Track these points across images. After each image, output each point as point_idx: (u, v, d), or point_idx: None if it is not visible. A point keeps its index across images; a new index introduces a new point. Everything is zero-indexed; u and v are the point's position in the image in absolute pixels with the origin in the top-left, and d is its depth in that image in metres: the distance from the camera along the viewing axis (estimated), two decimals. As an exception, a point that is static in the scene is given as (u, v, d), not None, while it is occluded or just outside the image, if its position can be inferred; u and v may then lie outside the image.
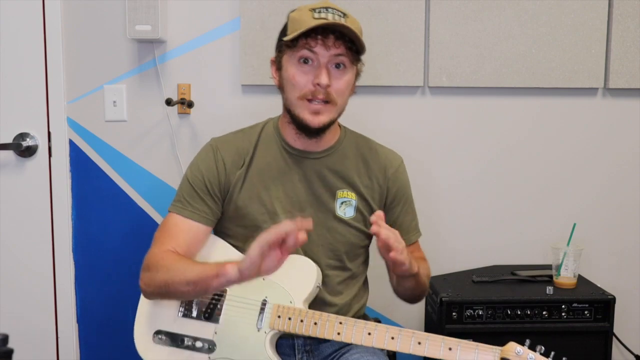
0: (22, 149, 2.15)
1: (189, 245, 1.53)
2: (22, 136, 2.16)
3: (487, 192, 2.25)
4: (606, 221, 2.27)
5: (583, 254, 1.99)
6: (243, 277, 1.31)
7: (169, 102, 2.11)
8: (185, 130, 2.19)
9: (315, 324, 1.42)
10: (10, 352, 0.84)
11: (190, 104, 2.17)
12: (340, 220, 1.57)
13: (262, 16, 2.09)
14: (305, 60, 1.46)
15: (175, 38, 2.15)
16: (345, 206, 1.57)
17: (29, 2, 2.12)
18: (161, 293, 1.49)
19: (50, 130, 2.17)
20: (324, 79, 1.44)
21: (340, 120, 1.60)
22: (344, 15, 1.47)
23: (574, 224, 2.00)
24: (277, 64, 1.53)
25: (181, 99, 2.16)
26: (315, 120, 1.47)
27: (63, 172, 2.19)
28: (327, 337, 1.41)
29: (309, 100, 1.46)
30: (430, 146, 2.21)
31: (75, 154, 2.20)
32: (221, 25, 2.16)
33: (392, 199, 1.62)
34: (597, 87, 2.21)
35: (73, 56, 2.16)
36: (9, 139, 2.16)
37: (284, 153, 1.57)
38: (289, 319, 1.44)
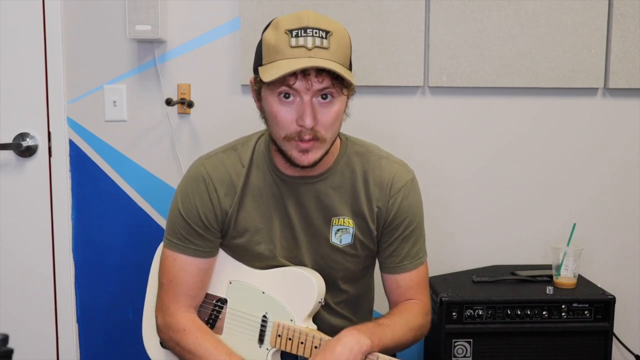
0: (22, 149, 2.15)
1: (201, 285, 1.50)
2: (22, 136, 2.16)
3: (487, 192, 2.25)
4: (606, 221, 2.27)
5: (583, 254, 1.99)
6: None
7: (169, 102, 2.11)
8: (185, 130, 2.19)
9: (316, 347, 1.40)
10: (10, 352, 0.84)
11: (190, 104, 2.17)
12: (335, 248, 1.48)
13: (262, 16, 2.09)
14: (286, 96, 1.30)
15: (175, 38, 2.15)
16: (342, 233, 1.48)
17: (29, 2, 2.12)
18: (171, 348, 1.49)
19: (50, 130, 2.17)
20: (308, 122, 1.28)
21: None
22: (327, 33, 1.28)
23: (574, 224, 2.00)
24: (257, 92, 1.38)
25: (181, 99, 2.16)
26: (305, 160, 1.34)
27: (63, 172, 2.19)
28: None
29: (296, 140, 1.32)
30: (430, 146, 2.21)
31: (75, 154, 2.20)
32: (221, 25, 2.15)
33: (391, 221, 1.49)
34: (597, 87, 2.21)
35: (73, 56, 2.16)
36: (9, 139, 2.16)
37: (275, 178, 1.46)
38: (289, 339, 1.42)
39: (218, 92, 2.18)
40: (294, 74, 1.26)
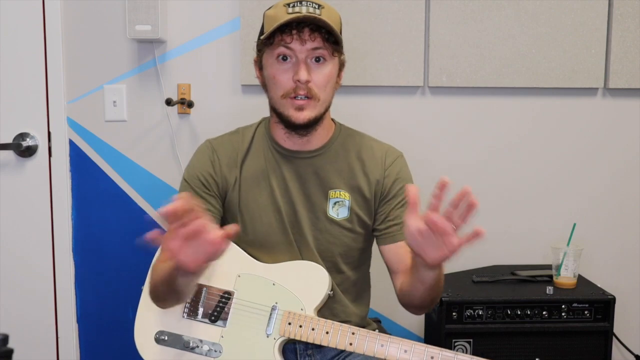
0: (22, 149, 2.15)
1: None
2: (22, 136, 2.16)
3: (487, 192, 2.24)
4: (606, 221, 2.27)
5: (583, 254, 1.99)
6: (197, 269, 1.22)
7: (169, 102, 2.11)
8: (185, 130, 2.19)
9: (327, 332, 1.40)
10: (10, 352, 0.84)
11: (190, 104, 2.17)
12: (333, 221, 1.54)
13: (261, 16, 2.09)
14: (284, 58, 1.45)
15: (175, 38, 2.15)
16: (339, 206, 1.54)
17: (29, 2, 2.12)
18: (154, 297, 1.44)
19: (50, 130, 2.17)
20: (302, 75, 1.42)
21: (339, 119, 1.60)
22: (320, 6, 1.44)
23: (574, 224, 2.00)
24: (259, 63, 1.53)
25: (181, 99, 2.16)
26: (300, 116, 1.45)
27: (63, 172, 2.19)
28: (339, 347, 1.39)
29: (292, 98, 1.45)
30: (430, 146, 2.21)
31: (75, 154, 2.20)
32: (221, 25, 2.16)
33: (389, 190, 1.56)
34: (597, 87, 2.21)
35: (73, 56, 2.16)
36: (9, 139, 2.16)
37: (275, 153, 1.55)
38: (300, 326, 1.42)
39: (218, 92, 2.18)
40: (290, 33, 1.42)
